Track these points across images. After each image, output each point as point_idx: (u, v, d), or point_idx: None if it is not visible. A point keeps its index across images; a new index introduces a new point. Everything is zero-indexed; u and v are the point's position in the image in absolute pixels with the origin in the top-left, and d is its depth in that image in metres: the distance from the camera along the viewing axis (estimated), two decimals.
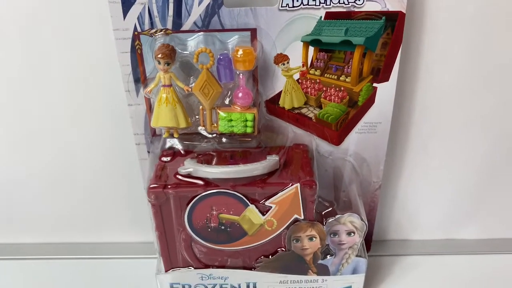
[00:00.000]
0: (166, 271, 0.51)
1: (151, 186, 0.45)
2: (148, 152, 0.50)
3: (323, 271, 0.50)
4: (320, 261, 0.49)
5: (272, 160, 0.46)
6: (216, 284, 0.51)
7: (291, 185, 0.45)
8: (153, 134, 0.50)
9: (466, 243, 0.62)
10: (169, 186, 0.45)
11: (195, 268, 0.50)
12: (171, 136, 0.47)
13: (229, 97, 0.46)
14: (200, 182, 0.45)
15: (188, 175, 0.45)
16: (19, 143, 0.56)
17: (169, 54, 0.42)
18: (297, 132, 0.50)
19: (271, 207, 0.46)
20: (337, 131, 0.50)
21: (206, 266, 0.50)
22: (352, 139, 0.51)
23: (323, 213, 0.49)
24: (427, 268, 0.59)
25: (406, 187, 0.59)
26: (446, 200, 0.60)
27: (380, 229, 0.63)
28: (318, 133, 0.50)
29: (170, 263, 0.51)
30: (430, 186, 0.59)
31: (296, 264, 0.50)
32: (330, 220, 0.47)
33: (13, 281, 0.59)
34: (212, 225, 0.47)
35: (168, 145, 0.48)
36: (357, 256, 0.49)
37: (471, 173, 0.58)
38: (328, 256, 0.49)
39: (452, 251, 0.61)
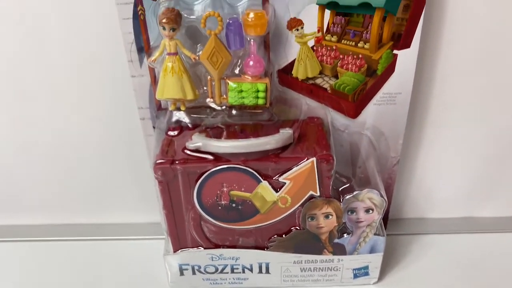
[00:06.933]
0: (174, 251, 0.49)
1: (158, 161, 0.42)
2: (154, 127, 0.48)
3: (339, 250, 0.48)
4: (336, 240, 0.47)
5: (285, 133, 0.43)
6: (227, 265, 0.49)
7: (306, 160, 0.42)
8: (159, 108, 0.47)
9: (484, 222, 0.61)
10: (176, 162, 0.42)
11: (205, 248, 0.48)
12: (178, 109, 0.44)
13: (239, 66, 0.43)
14: (210, 157, 0.42)
15: (197, 150, 0.42)
16: (18, 119, 0.53)
17: (174, 19, 0.39)
18: (311, 104, 0.48)
19: (285, 183, 0.43)
20: (354, 102, 0.47)
21: (217, 246, 0.48)
22: (370, 112, 0.48)
23: (340, 189, 0.47)
24: (445, 247, 0.57)
25: (424, 162, 0.57)
26: (464, 177, 0.58)
27: (397, 207, 0.60)
28: (334, 105, 0.48)
29: (179, 244, 0.48)
30: (448, 162, 0.57)
31: (311, 244, 0.47)
32: (347, 197, 0.44)
33: (16, 263, 0.57)
34: (222, 202, 0.44)
35: (174, 118, 0.45)
36: (375, 234, 0.47)
37: (492, 149, 0.55)
38: (345, 234, 0.47)
39: (470, 229, 0.59)
